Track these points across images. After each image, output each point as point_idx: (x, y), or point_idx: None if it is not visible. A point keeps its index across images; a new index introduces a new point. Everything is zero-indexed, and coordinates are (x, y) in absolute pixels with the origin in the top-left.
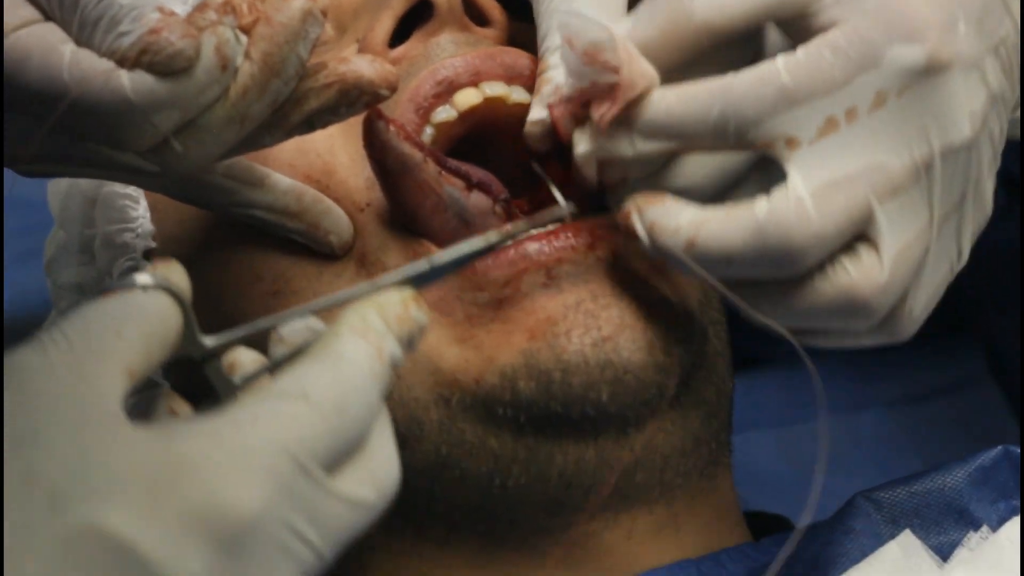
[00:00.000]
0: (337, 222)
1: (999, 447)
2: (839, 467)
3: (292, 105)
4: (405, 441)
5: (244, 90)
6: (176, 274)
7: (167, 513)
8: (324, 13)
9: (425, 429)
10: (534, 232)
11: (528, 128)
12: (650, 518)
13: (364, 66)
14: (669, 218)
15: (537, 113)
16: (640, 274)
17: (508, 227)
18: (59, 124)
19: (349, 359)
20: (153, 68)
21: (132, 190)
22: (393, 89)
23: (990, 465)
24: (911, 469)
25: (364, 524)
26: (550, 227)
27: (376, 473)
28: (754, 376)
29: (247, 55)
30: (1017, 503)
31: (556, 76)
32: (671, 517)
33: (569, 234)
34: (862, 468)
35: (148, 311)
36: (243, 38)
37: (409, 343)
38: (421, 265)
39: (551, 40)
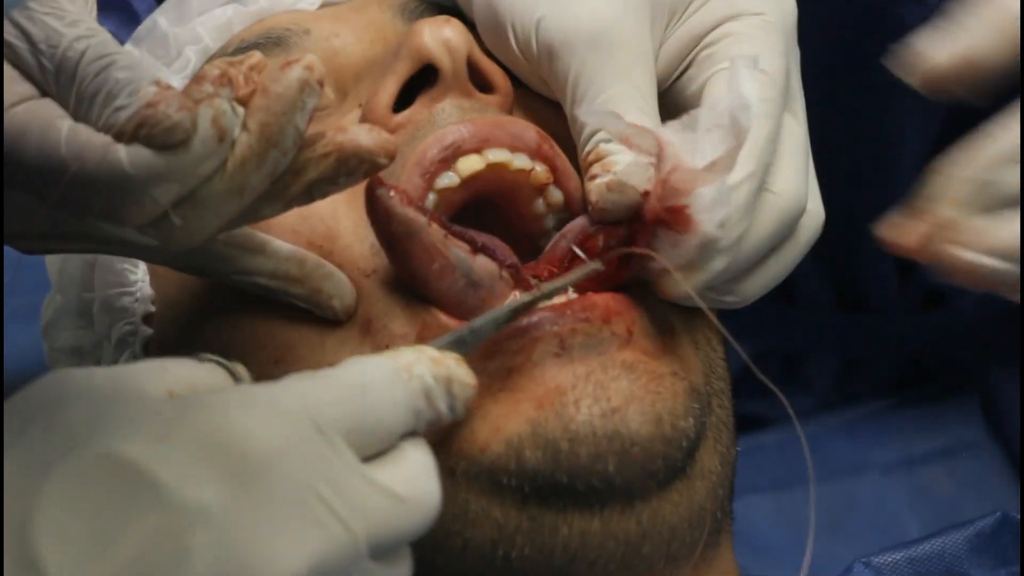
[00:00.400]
0: (340, 286)
1: (998, 513)
2: (837, 532)
3: (291, 176)
4: None
5: (242, 161)
6: (241, 368)
7: (181, 441)
8: (321, 83)
9: None
10: (560, 295)
11: (606, 202)
12: None
13: (362, 135)
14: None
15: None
16: (650, 350)
17: (545, 285)
18: (58, 200)
19: (373, 362)
20: (150, 141)
21: None
22: (391, 158)
23: (990, 531)
24: (909, 534)
25: (405, 526)
26: (570, 294)
27: (410, 478)
28: (752, 439)
29: (244, 126)
30: (1017, 569)
31: (621, 158)
32: None
33: (586, 307)
34: (860, 533)
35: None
36: (240, 110)
37: (447, 388)
38: (461, 331)
39: (595, 135)
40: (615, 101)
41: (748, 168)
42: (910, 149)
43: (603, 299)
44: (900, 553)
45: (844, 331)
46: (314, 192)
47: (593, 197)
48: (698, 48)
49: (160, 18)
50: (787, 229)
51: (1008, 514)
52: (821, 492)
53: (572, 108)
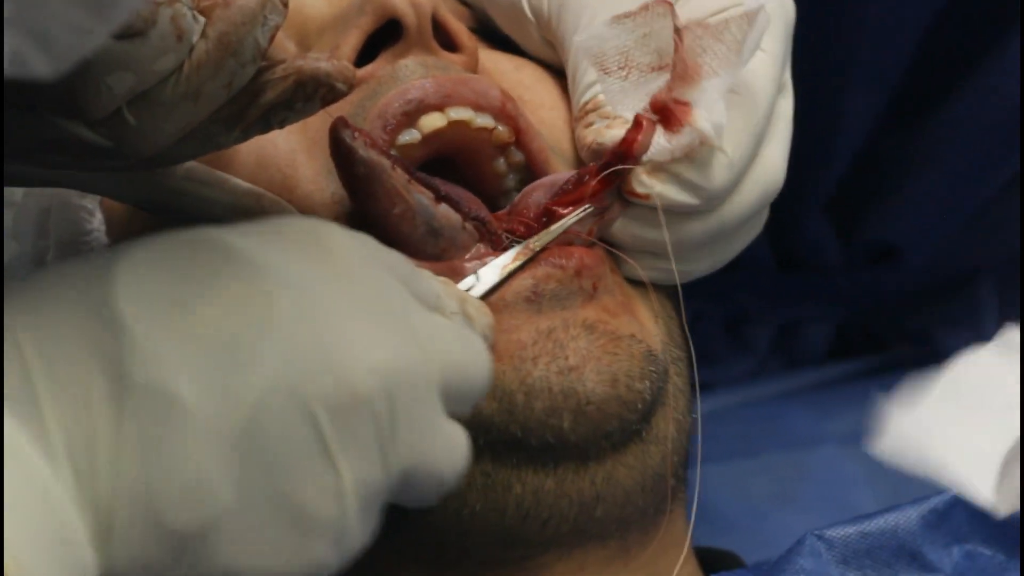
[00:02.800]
0: None
1: (953, 490)
2: (791, 503)
3: (248, 97)
4: None
5: (198, 66)
6: None
7: (270, 231)
8: (284, 3)
9: None
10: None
11: (597, 142)
12: (603, 552)
13: (322, 60)
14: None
15: (616, 131)
16: (611, 308)
17: (552, 228)
18: (15, 96)
19: None
20: None
21: (88, 201)
22: (350, 84)
23: (943, 508)
24: (864, 507)
25: (473, 373)
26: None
27: (468, 335)
28: (705, 407)
29: (204, 35)
30: (971, 547)
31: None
32: (623, 550)
33: (563, 254)
34: (814, 505)
35: None
36: (201, 19)
37: (462, 308)
38: (469, 280)
39: (594, 88)
40: None
41: (745, 141)
42: (850, 110)
43: (579, 251)
44: (853, 527)
45: (785, 291)
46: (271, 119)
47: (589, 138)
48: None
49: None
50: (764, 205)
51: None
52: (775, 462)
53: (574, 37)
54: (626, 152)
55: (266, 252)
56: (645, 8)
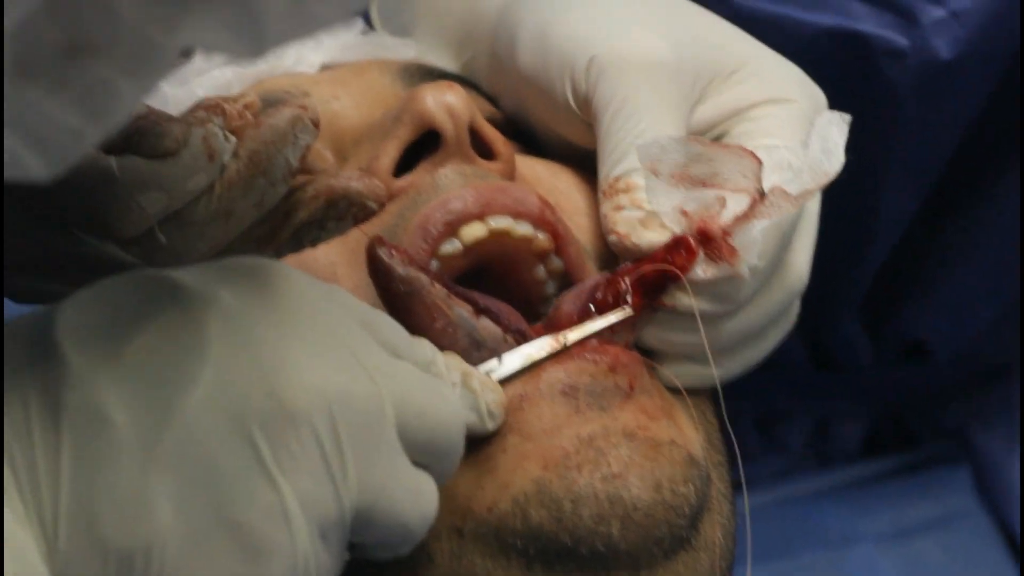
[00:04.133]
0: None
1: None
2: None
3: (281, 217)
4: (414, 574)
5: (230, 185)
6: None
7: (208, 267)
8: (316, 123)
9: (436, 560)
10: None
11: (634, 242)
12: None
13: (352, 178)
14: None
15: (654, 236)
16: (649, 410)
17: (584, 328)
18: (47, 214)
19: None
20: (140, 149)
21: None
22: (381, 203)
23: None
24: None
25: (433, 411)
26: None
27: (437, 385)
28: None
29: (235, 154)
30: None
31: (644, 198)
32: None
33: (597, 350)
34: None
35: None
36: (232, 138)
37: (466, 383)
38: (491, 364)
39: (627, 163)
40: (661, 131)
41: (775, 249)
42: (886, 213)
43: (614, 348)
44: None
45: (818, 390)
46: (303, 238)
47: (622, 229)
48: (734, 122)
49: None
50: (789, 304)
51: None
52: (812, 562)
53: (611, 124)
54: (672, 276)
55: (203, 283)
56: (725, 147)
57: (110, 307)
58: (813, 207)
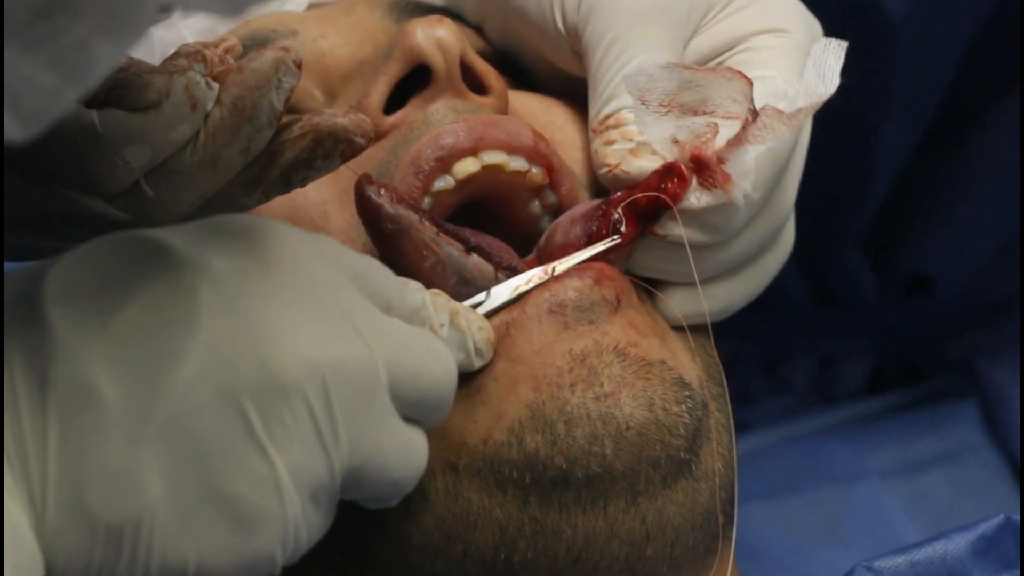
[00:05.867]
0: None
1: (1002, 516)
2: (835, 539)
3: (267, 159)
4: (408, 515)
5: (215, 133)
6: None
7: (199, 226)
8: (298, 65)
9: (431, 500)
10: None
11: (623, 170)
12: None
13: (338, 115)
14: None
15: (644, 163)
16: (637, 324)
17: (571, 257)
18: (33, 171)
19: None
20: (122, 102)
21: None
22: (369, 138)
23: (992, 534)
24: (909, 542)
25: (427, 373)
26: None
27: (430, 340)
28: (746, 446)
29: (218, 101)
30: (1020, 573)
31: (635, 131)
32: None
33: (579, 268)
34: (859, 541)
35: None
36: (214, 85)
37: (452, 320)
38: (479, 297)
39: (619, 101)
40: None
41: (769, 182)
42: (884, 146)
43: (597, 264)
44: (902, 557)
45: (822, 328)
46: (292, 178)
47: (612, 160)
48: (731, 53)
49: None
50: (773, 238)
51: (1011, 517)
52: (818, 499)
53: (601, 61)
54: (664, 204)
55: (192, 247)
56: (713, 71)
57: (98, 272)
58: (804, 139)
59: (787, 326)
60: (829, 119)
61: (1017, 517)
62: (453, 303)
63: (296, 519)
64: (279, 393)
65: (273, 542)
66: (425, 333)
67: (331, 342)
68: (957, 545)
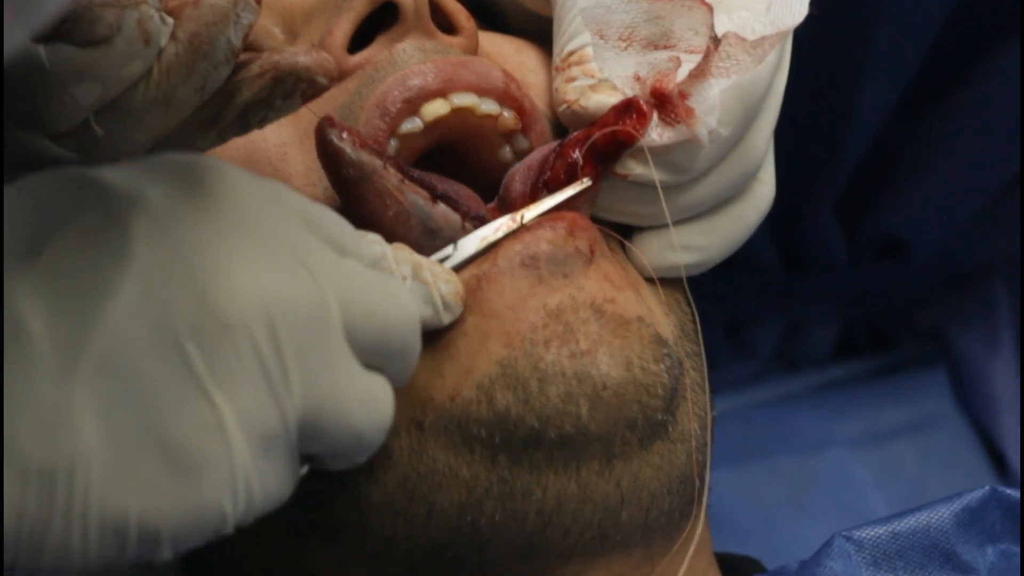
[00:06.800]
0: None
1: (987, 487)
2: (801, 508)
3: (224, 98)
4: (370, 473)
5: (168, 70)
6: None
7: (137, 163)
8: (258, 0)
9: (394, 457)
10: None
11: (581, 105)
12: (627, 560)
13: (299, 53)
14: None
15: (602, 98)
16: (612, 276)
17: (539, 204)
18: None
19: None
20: (71, 37)
21: None
22: (332, 78)
23: (977, 506)
24: (875, 512)
25: (384, 312)
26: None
27: (387, 281)
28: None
29: (173, 37)
30: (1005, 547)
31: (596, 67)
32: (647, 558)
33: (551, 217)
34: (825, 510)
35: None
36: (169, 20)
37: (415, 271)
38: (447, 250)
39: (583, 38)
40: None
41: (738, 121)
42: (863, 102)
43: (568, 213)
44: (883, 527)
45: (790, 291)
46: (250, 118)
47: (571, 96)
48: None
49: None
50: (743, 184)
51: (997, 488)
52: (784, 467)
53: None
54: (624, 142)
55: (129, 181)
56: (673, 0)
57: (28, 208)
58: (780, 84)
59: (754, 288)
60: (805, 73)
61: (1003, 489)
62: (416, 256)
63: (246, 468)
64: (221, 330)
65: (220, 492)
66: (382, 276)
67: (277, 279)
68: (940, 516)
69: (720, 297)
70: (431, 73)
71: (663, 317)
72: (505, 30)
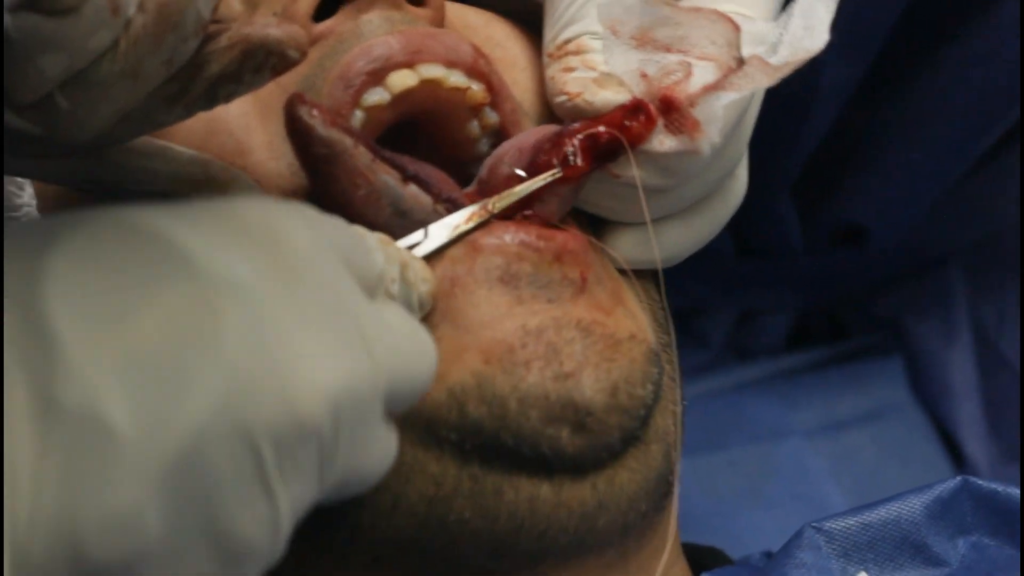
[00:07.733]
0: (248, 189)
1: (959, 478)
2: (758, 498)
3: (192, 71)
4: None
5: (136, 41)
6: None
7: (213, 218)
8: None
9: None
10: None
11: (586, 99)
12: (600, 561)
13: (271, 26)
14: None
15: (610, 96)
16: (604, 304)
17: (512, 192)
18: None
19: None
20: (37, 5)
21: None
22: (303, 52)
23: (948, 497)
24: (831, 502)
25: (418, 373)
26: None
27: (409, 324)
28: None
29: (141, 7)
30: (976, 538)
31: (598, 60)
32: (620, 556)
33: (541, 234)
34: (783, 500)
35: None
36: None
37: (402, 273)
38: (416, 236)
39: (581, 26)
40: None
41: (730, 127)
42: (823, 84)
43: (562, 235)
44: (853, 518)
45: (743, 279)
46: (218, 92)
47: (573, 88)
48: None
49: None
50: (722, 183)
51: (968, 479)
52: (740, 456)
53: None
54: (632, 142)
55: (208, 248)
56: (697, 11)
57: (106, 276)
58: (761, 90)
59: (706, 275)
60: None
61: (975, 480)
62: (402, 252)
63: (279, 551)
64: (296, 430)
65: (255, 573)
66: (413, 325)
67: (344, 359)
68: (912, 507)
69: (670, 284)
70: (397, 44)
71: (644, 317)
72: (473, 2)
